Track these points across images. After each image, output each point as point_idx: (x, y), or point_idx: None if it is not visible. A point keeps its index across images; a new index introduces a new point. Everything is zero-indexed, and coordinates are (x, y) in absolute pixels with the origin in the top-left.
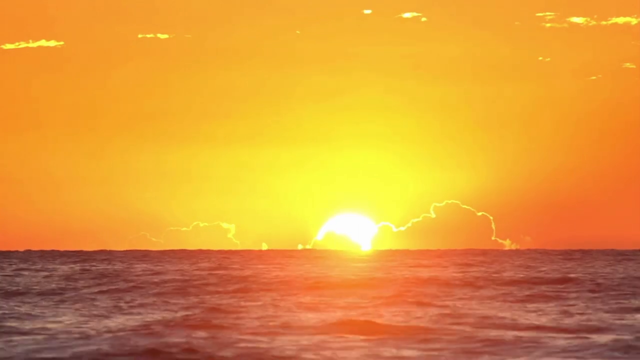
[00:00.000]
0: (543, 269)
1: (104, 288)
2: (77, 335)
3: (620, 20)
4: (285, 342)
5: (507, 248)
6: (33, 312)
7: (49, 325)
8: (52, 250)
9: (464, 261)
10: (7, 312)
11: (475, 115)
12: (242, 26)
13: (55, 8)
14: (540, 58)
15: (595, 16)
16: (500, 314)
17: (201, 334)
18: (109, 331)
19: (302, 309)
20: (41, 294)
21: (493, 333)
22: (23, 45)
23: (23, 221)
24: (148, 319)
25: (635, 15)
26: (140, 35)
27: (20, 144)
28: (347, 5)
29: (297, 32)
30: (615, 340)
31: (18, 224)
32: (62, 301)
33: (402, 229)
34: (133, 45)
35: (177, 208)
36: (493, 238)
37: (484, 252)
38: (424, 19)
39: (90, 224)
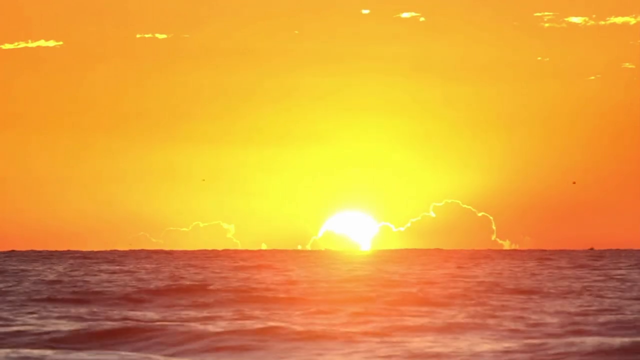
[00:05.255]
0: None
1: None
2: None
3: (619, 20)
4: None
5: (506, 248)
6: None
7: None
8: (56, 251)
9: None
10: None
11: (475, 116)
12: (241, 27)
13: (54, 8)
14: (539, 58)
15: (594, 16)
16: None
17: None
18: None
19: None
20: None
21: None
22: (22, 45)
23: (10, 221)
24: None
25: (634, 15)
26: (138, 35)
27: (18, 144)
28: (346, 5)
29: (296, 32)
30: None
31: (6, 223)
32: None
33: (402, 229)
34: (131, 45)
35: (176, 208)
36: (493, 238)
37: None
38: (422, 19)
39: (89, 224)
